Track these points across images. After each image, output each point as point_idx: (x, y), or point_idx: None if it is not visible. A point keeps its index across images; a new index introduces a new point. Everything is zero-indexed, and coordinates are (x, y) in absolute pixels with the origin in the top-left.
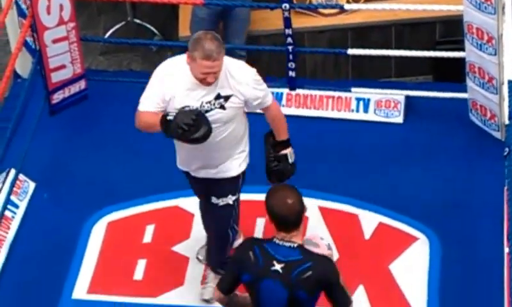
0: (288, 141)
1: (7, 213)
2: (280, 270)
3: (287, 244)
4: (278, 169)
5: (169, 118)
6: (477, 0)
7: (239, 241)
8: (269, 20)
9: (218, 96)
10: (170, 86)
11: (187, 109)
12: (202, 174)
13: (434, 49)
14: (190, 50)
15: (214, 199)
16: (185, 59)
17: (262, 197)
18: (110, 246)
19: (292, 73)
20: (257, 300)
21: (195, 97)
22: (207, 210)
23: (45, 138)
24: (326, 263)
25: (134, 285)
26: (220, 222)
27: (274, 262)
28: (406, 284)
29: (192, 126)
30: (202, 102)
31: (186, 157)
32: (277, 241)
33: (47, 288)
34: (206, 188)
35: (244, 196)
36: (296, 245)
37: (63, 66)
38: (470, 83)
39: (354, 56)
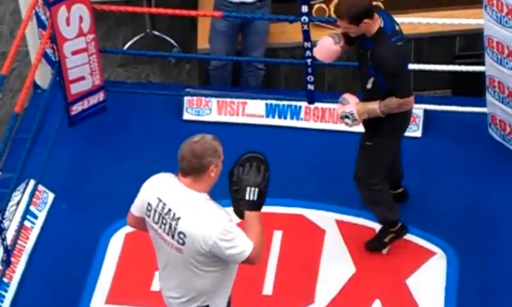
0: None
1: (26, 223)
2: None
3: None
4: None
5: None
6: (498, 15)
7: None
8: (288, 33)
9: None
10: None
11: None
12: None
13: (454, 63)
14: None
15: None
16: None
17: (279, 209)
18: (128, 257)
19: (310, 87)
20: None
21: None
22: None
23: (64, 149)
24: None
25: (152, 296)
26: None
27: None
28: (422, 299)
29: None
30: None
31: (228, 290)
32: None
33: (65, 298)
34: None
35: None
36: None
37: (82, 78)
38: (489, 97)
39: None
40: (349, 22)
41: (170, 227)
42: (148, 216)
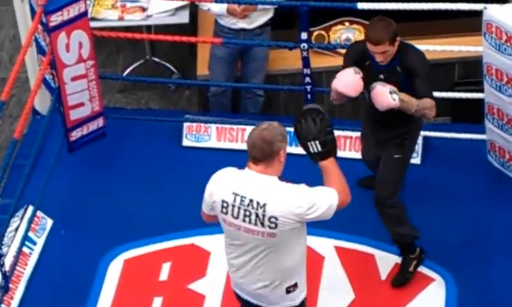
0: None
1: (25, 249)
2: None
3: None
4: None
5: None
6: (497, 42)
7: None
8: (288, 60)
9: None
10: None
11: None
12: None
13: (453, 90)
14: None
15: None
16: None
17: None
18: (126, 283)
19: None
20: None
21: None
22: None
23: (63, 175)
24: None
25: None
26: None
27: None
28: None
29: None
30: None
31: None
32: None
33: None
34: None
35: None
36: None
37: (81, 104)
38: (488, 124)
39: None
40: (389, 44)
41: (257, 216)
42: (226, 213)
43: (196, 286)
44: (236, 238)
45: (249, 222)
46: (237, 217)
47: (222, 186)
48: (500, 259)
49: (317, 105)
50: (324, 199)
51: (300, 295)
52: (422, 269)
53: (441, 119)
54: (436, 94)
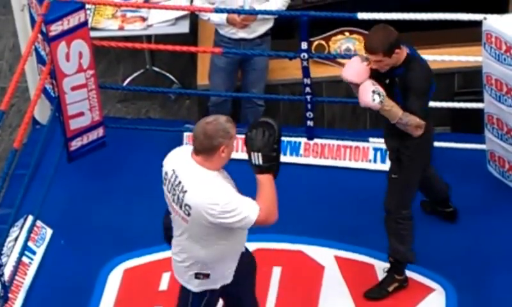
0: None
1: (24, 259)
2: None
3: None
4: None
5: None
6: (497, 52)
7: None
8: (288, 70)
9: None
10: None
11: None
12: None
13: (453, 100)
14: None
15: None
16: None
17: (278, 245)
18: (126, 293)
19: (310, 123)
20: None
21: None
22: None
23: (62, 185)
24: None
25: None
26: None
27: None
28: None
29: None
30: None
31: (234, 259)
32: None
33: None
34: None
35: (260, 245)
36: None
37: (81, 113)
38: (488, 134)
39: None
40: (383, 55)
41: (178, 198)
42: (164, 184)
43: None
44: (170, 209)
45: (173, 200)
46: (169, 192)
47: (170, 160)
48: (500, 269)
49: (273, 121)
50: (243, 210)
51: (210, 286)
52: (422, 279)
53: (441, 128)
54: (436, 104)
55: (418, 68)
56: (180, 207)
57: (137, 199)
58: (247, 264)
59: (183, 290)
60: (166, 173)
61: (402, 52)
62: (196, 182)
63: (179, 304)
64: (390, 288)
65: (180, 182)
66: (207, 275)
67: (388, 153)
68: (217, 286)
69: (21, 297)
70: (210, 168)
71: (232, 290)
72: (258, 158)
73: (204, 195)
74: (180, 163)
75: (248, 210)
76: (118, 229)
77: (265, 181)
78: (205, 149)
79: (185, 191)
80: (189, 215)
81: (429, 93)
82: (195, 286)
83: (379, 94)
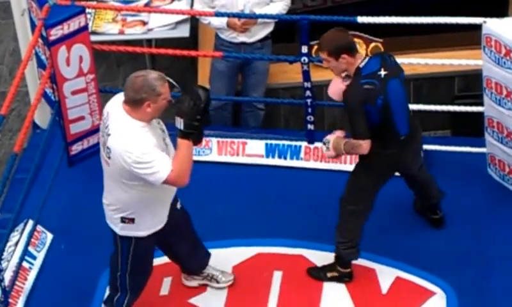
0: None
1: (24, 264)
2: None
3: None
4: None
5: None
6: (497, 55)
7: None
8: (288, 73)
9: None
10: None
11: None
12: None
13: (453, 104)
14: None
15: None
16: None
17: (279, 250)
18: None
19: (310, 126)
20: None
21: None
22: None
23: (63, 189)
24: None
25: None
26: None
27: None
28: None
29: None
30: None
31: (163, 208)
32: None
33: None
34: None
35: (261, 249)
36: None
37: (81, 118)
38: (488, 137)
39: None
40: (328, 54)
41: (104, 140)
42: (101, 124)
43: (197, 300)
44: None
45: (101, 141)
46: (101, 132)
47: (109, 103)
48: (500, 272)
49: (203, 92)
50: (155, 165)
51: (135, 232)
52: (423, 282)
53: (441, 132)
54: (436, 107)
55: (352, 83)
56: (104, 149)
57: None
58: (178, 216)
59: (114, 236)
60: (103, 114)
61: (355, 62)
62: (119, 128)
63: (113, 252)
64: (329, 275)
65: (108, 125)
66: (131, 220)
67: None
68: (144, 234)
69: (21, 302)
70: (136, 118)
71: (163, 239)
72: (180, 123)
73: (122, 141)
74: (113, 108)
75: (160, 166)
76: None
77: (183, 146)
78: (130, 101)
79: (109, 134)
80: (109, 158)
81: (362, 109)
82: (120, 229)
83: (324, 143)
